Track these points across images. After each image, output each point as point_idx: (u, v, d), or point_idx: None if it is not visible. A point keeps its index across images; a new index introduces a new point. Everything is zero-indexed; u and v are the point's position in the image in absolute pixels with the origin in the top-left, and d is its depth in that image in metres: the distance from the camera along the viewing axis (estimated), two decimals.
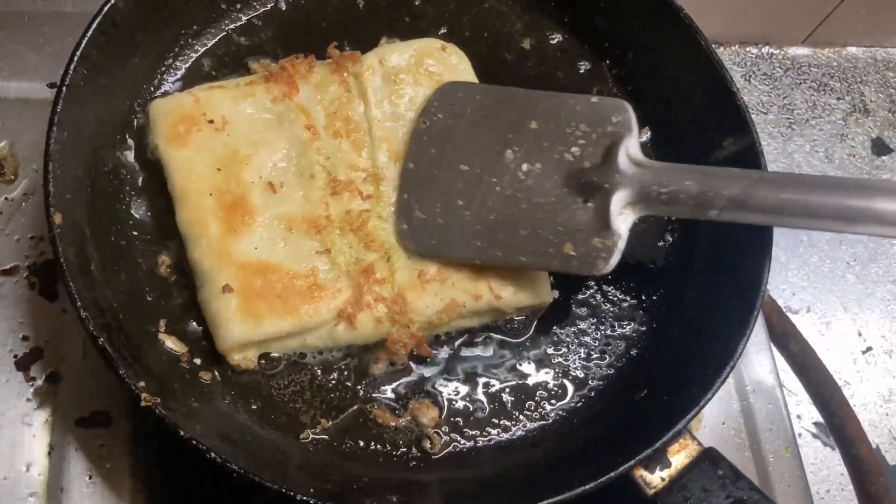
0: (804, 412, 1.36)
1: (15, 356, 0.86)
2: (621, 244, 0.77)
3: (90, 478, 0.82)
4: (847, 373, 1.46)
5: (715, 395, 0.96)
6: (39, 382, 0.85)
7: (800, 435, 1.40)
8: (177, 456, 0.84)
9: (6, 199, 0.92)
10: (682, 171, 0.78)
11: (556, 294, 0.87)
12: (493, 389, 0.83)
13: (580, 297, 0.89)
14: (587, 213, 0.79)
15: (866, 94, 1.67)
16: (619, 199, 0.78)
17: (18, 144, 0.94)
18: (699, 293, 0.88)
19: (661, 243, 0.93)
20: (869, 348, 1.47)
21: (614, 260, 0.77)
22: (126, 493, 0.82)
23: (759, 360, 1.02)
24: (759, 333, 1.04)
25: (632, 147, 0.80)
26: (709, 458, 0.75)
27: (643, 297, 0.89)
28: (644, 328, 0.88)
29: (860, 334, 1.47)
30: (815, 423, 1.35)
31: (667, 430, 0.73)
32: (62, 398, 0.85)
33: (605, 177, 0.79)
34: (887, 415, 1.44)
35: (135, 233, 0.84)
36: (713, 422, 0.95)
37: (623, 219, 0.78)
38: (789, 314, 1.27)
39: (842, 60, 1.68)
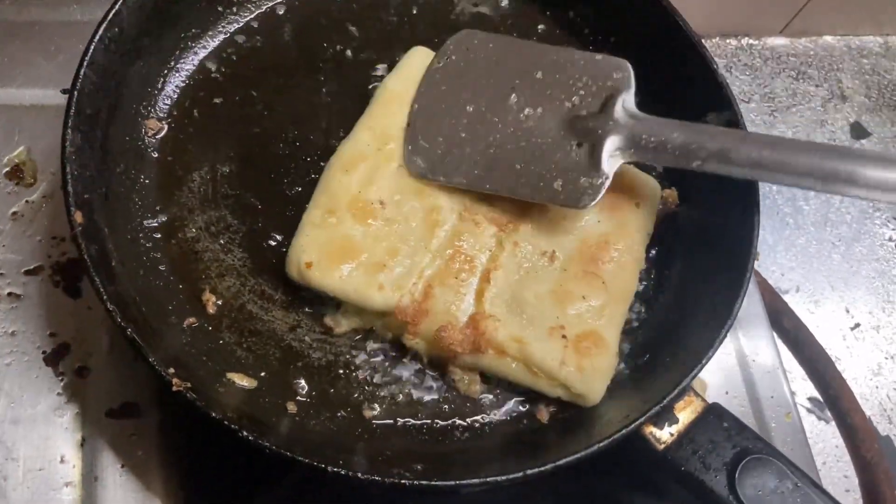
0: (799, 388, 1.40)
1: (43, 352, 0.88)
2: (607, 184, 0.83)
3: (122, 466, 0.84)
4: (837, 349, 1.50)
5: (717, 364, 1.01)
6: (68, 377, 0.87)
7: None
8: (205, 442, 0.86)
9: (27, 201, 0.95)
10: (672, 125, 0.84)
11: None
12: None
13: None
14: (579, 155, 0.85)
15: (843, 81, 1.72)
16: (610, 144, 0.84)
17: (36, 149, 0.96)
18: (692, 258, 0.92)
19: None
20: (857, 325, 1.52)
21: (599, 197, 0.83)
22: (157, 480, 0.84)
23: (757, 332, 1.06)
24: (756, 306, 1.08)
25: (627, 101, 0.86)
26: (714, 413, 0.79)
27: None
28: (641, 293, 0.91)
29: (848, 311, 1.52)
30: (810, 399, 1.40)
31: (673, 387, 0.77)
32: (91, 391, 0.87)
33: (600, 123, 0.85)
34: (877, 387, 1.49)
35: (147, 228, 0.86)
36: (717, 391, 0.99)
37: (612, 162, 0.84)
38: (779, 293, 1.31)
39: (818, 49, 1.74)
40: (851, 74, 1.75)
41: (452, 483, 0.73)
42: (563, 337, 0.81)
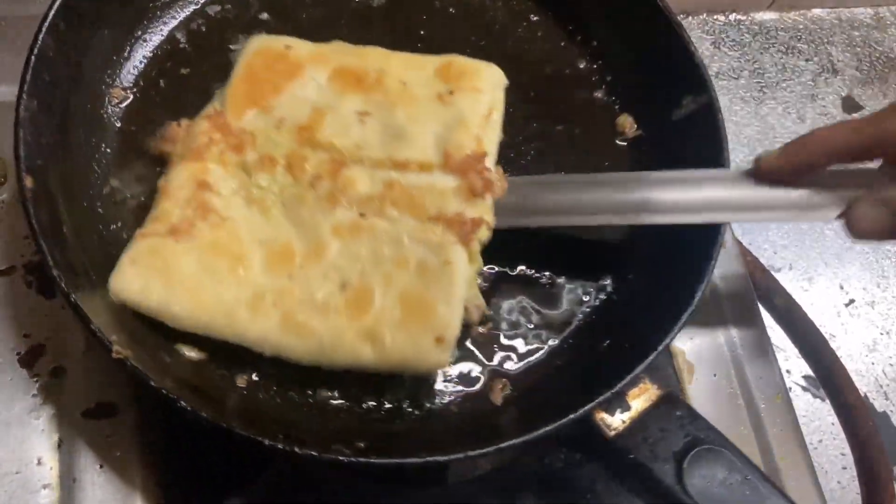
0: (793, 367, 1.39)
1: (18, 353, 0.87)
2: None
3: (101, 467, 0.83)
4: (832, 326, 1.49)
5: (705, 346, 1.00)
6: (44, 378, 0.86)
7: (790, 389, 1.43)
8: (184, 441, 0.85)
9: None
10: None
11: None
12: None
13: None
14: None
15: (833, 55, 1.70)
16: None
17: (4, 147, 0.95)
18: (655, 242, 0.90)
19: None
20: (851, 301, 1.50)
21: None
22: (137, 479, 0.83)
23: (745, 312, 1.05)
24: (744, 286, 1.07)
25: None
26: (668, 402, 0.78)
27: (604, 253, 0.93)
28: (605, 282, 0.90)
29: (842, 288, 1.50)
30: (805, 377, 1.39)
31: (625, 374, 0.76)
32: (67, 392, 0.86)
33: None
34: (873, 364, 1.47)
35: (105, 196, 0.86)
36: (704, 374, 0.98)
37: None
38: (772, 272, 1.30)
39: (808, 23, 1.71)
40: (842, 47, 1.72)
41: (392, 461, 0.72)
42: None
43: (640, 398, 0.78)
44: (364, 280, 0.77)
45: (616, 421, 0.77)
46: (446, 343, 0.76)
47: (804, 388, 1.38)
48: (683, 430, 0.76)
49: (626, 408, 0.77)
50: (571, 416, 0.74)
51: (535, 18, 1.03)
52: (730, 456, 0.74)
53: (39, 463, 0.83)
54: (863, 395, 1.35)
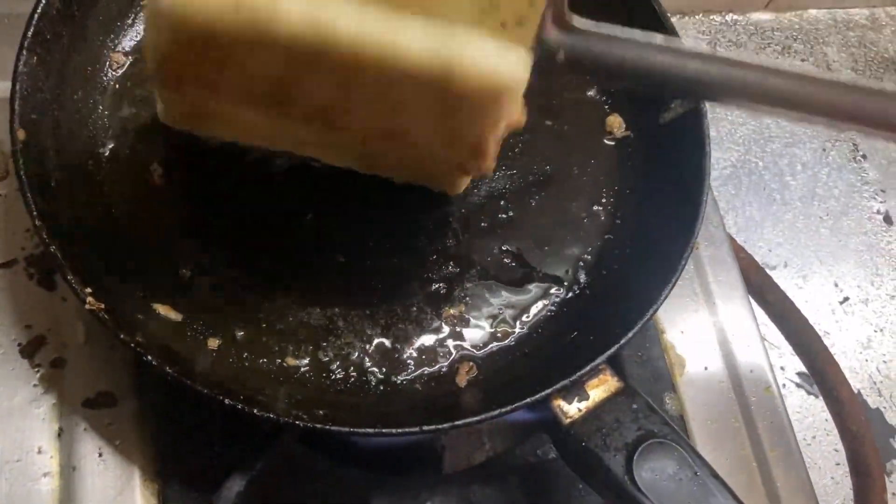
0: (787, 363, 1.40)
1: (19, 344, 0.88)
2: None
3: (101, 455, 0.84)
4: (826, 323, 1.51)
5: (696, 340, 1.01)
6: (44, 368, 0.88)
7: (784, 385, 1.44)
8: (183, 428, 0.86)
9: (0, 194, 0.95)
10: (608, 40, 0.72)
11: None
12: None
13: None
14: None
15: (829, 55, 1.71)
16: None
17: (6, 140, 0.96)
18: (631, 243, 0.93)
19: (595, 205, 0.96)
20: (846, 298, 1.52)
21: None
22: (136, 468, 0.84)
23: (737, 309, 1.06)
24: (735, 284, 1.08)
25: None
26: (626, 394, 0.80)
27: (578, 248, 0.94)
28: (579, 275, 0.92)
29: (836, 285, 1.52)
30: (798, 374, 1.40)
31: (585, 363, 0.78)
32: (68, 382, 0.87)
33: None
34: (867, 360, 1.49)
35: (98, 154, 0.88)
36: (695, 367, 0.99)
37: None
38: (767, 269, 1.31)
39: (803, 23, 1.73)
40: (838, 48, 1.74)
41: (345, 430, 0.75)
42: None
43: (599, 388, 0.79)
44: None
45: (573, 409, 0.78)
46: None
47: (798, 385, 1.40)
48: (637, 423, 0.77)
49: (585, 397, 0.79)
50: (528, 399, 0.76)
51: None
52: (681, 451, 0.75)
53: (40, 452, 0.84)
54: (856, 391, 1.36)
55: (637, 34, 0.74)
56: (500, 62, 0.64)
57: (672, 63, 0.72)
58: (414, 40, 0.64)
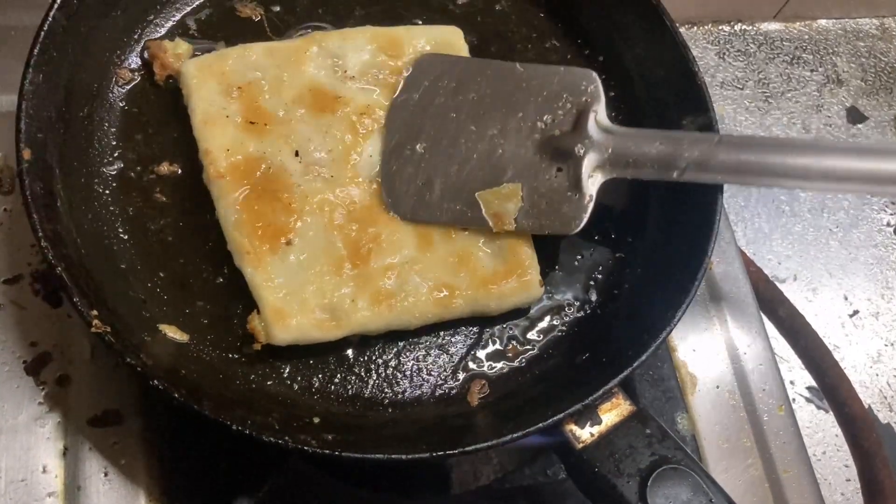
0: (797, 378, 1.39)
1: (24, 362, 0.88)
2: (591, 205, 0.84)
3: (106, 475, 0.83)
4: (836, 337, 1.49)
5: (707, 358, 1.00)
6: (49, 386, 0.87)
7: (794, 400, 1.43)
8: (188, 448, 0.86)
9: (5, 209, 0.94)
10: (648, 136, 0.85)
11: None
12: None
13: None
14: (560, 178, 0.85)
15: (839, 65, 1.70)
16: (588, 164, 0.84)
17: (11, 155, 0.95)
18: (644, 262, 0.92)
19: (606, 222, 0.95)
20: (856, 311, 1.50)
21: (585, 218, 0.84)
22: (142, 487, 0.84)
23: (748, 323, 1.05)
24: (747, 299, 1.07)
25: (600, 113, 0.86)
26: (638, 418, 0.78)
27: (590, 267, 0.93)
28: (591, 296, 0.91)
29: (846, 299, 1.50)
30: (808, 388, 1.38)
31: (598, 388, 0.77)
32: (73, 399, 0.86)
33: (575, 143, 0.85)
34: (877, 375, 1.47)
35: (103, 174, 0.87)
36: (707, 386, 0.98)
37: (592, 181, 0.84)
38: (776, 283, 1.30)
39: (813, 33, 1.71)
40: (847, 58, 1.72)
41: (356, 456, 0.73)
42: None
43: (612, 413, 0.78)
44: None
45: (585, 433, 0.77)
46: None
47: (808, 400, 1.38)
48: (651, 448, 0.76)
49: (597, 421, 0.78)
50: (540, 424, 0.75)
51: (545, 33, 1.03)
52: (696, 477, 0.74)
53: (45, 471, 0.83)
54: (867, 406, 1.35)
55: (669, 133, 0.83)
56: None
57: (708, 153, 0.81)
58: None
